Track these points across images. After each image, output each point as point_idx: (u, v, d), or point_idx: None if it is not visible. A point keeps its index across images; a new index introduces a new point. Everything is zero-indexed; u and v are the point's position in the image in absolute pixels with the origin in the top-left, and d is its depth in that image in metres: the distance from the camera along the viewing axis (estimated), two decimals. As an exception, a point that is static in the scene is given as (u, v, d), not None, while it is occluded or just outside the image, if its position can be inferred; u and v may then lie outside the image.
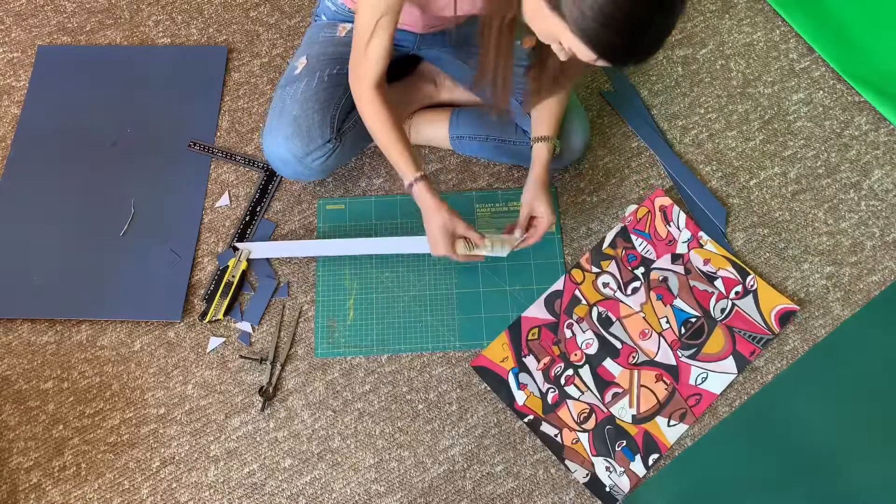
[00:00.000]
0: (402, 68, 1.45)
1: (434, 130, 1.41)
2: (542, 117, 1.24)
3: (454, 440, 1.24)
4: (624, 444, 1.23)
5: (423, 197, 1.16)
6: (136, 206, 1.38)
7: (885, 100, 1.48)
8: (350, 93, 1.27)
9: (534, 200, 1.22)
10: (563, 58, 0.94)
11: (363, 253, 1.35)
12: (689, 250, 1.36)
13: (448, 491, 1.20)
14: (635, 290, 1.33)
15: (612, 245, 1.37)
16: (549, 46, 1.06)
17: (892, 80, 1.51)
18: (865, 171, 1.45)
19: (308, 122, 1.21)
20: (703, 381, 1.27)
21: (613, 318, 1.31)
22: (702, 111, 1.50)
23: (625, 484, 1.20)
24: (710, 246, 1.36)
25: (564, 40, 0.87)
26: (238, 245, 1.33)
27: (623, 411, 1.25)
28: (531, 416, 1.24)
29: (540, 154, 1.23)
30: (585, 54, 0.87)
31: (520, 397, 1.25)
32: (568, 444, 1.23)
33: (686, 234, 1.37)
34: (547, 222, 1.22)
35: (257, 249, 1.33)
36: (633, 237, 1.37)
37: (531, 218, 1.23)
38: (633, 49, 0.84)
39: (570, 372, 1.27)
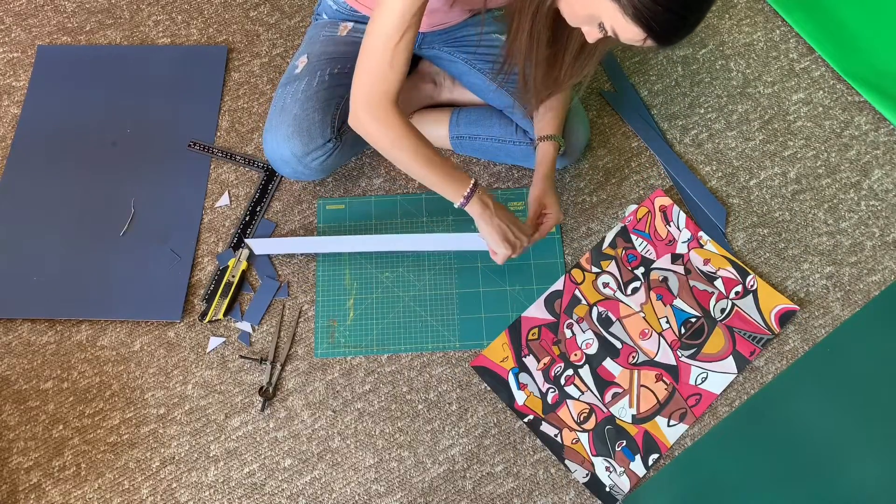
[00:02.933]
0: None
1: (434, 130, 1.41)
2: (546, 116, 1.25)
3: (454, 440, 1.24)
4: (624, 444, 1.23)
5: (486, 198, 1.12)
6: (136, 206, 1.38)
7: (885, 100, 1.48)
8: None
9: (543, 197, 1.22)
10: (591, 40, 0.94)
11: (381, 250, 1.35)
12: (689, 250, 1.36)
13: (448, 491, 1.20)
14: (635, 290, 1.33)
15: (612, 245, 1.37)
16: (564, 39, 1.05)
17: (892, 80, 1.51)
18: (865, 171, 1.45)
19: (308, 122, 1.21)
20: (703, 381, 1.27)
21: (613, 318, 1.31)
22: (702, 111, 1.50)
23: (625, 484, 1.20)
24: (710, 246, 1.36)
25: (610, 22, 0.87)
26: (248, 241, 1.31)
27: (623, 411, 1.25)
28: (531, 416, 1.24)
29: (546, 152, 1.24)
30: (634, 35, 0.86)
31: (520, 397, 1.25)
32: (568, 444, 1.23)
33: (686, 234, 1.37)
34: (555, 218, 1.22)
35: (268, 245, 1.33)
36: (633, 237, 1.37)
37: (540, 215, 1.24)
38: (683, 27, 0.84)
39: (569, 372, 1.27)
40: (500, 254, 1.17)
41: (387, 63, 0.99)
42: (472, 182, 1.11)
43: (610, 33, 0.90)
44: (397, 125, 1.04)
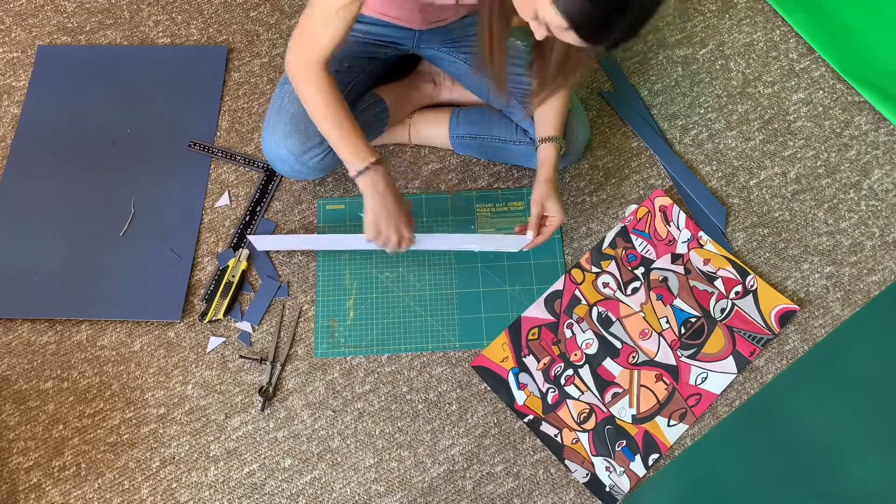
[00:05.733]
0: (402, 68, 1.45)
1: (434, 130, 1.41)
2: (547, 117, 1.24)
3: (454, 440, 1.24)
4: (624, 444, 1.23)
5: (380, 182, 1.12)
6: (136, 206, 1.38)
7: (885, 100, 1.48)
8: (348, 90, 1.27)
9: (545, 200, 1.22)
10: (539, 36, 0.94)
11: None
12: (688, 250, 1.36)
13: (448, 491, 1.20)
14: (635, 290, 1.33)
15: (612, 245, 1.37)
16: (548, 45, 1.06)
17: (892, 80, 1.51)
18: (865, 171, 1.45)
19: (306, 120, 1.21)
20: (703, 381, 1.27)
21: (613, 318, 1.31)
22: (702, 111, 1.50)
23: (625, 484, 1.20)
24: (710, 246, 1.36)
25: (541, 11, 0.86)
26: (250, 238, 1.31)
27: (623, 411, 1.25)
28: (531, 416, 1.24)
29: (547, 154, 1.24)
30: (559, 25, 0.85)
31: (520, 397, 1.25)
32: (568, 444, 1.23)
33: (686, 234, 1.37)
34: (558, 221, 1.22)
35: (269, 242, 1.32)
36: (633, 237, 1.37)
37: (542, 217, 1.24)
38: (609, 27, 0.83)
39: (570, 372, 1.27)
40: (368, 235, 1.17)
41: (322, 26, 1.04)
42: (373, 161, 1.11)
43: (541, 20, 0.89)
44: (315, 83, 1.08)
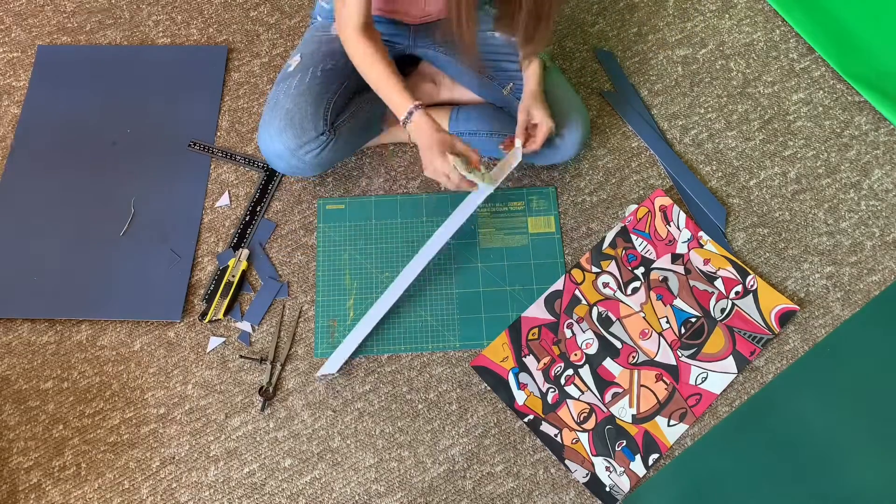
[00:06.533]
0: (401, 68, 1.45)
1: (434, 129, 1.41)
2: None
3: (454, 440, 1.24)
4: (624, 443, 1.23)
5: (423, 124, 1.16)
6: (136, 206, 1.38)
7: (885, 100, 1.48)
8: (345, 86, 1.28)
9: (531, 108, 1.25)
10: None
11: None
12: (689, 250, 1.36)
13: (448, 491, 1.20)
14: (635, 290, 1.33)
15: (612, 245, 1.37)
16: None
17: (892, 80, 1.51)
18: (865, 171, 1.45)
19: (301, 115, 1.22)
20: (703, 381, 1.27)
21: (613, 318, 1.31)
22: (702, 111, 1.50)
23: (625, 484, 1.20)
24: (710, 246, 1.36)
25: None
26: (319, 375, 1.26)
27: (623, 411, 1.25)
28: (531, 416, 1.24)
29: (531, 70, 1.27)
30: None
31: (520, 397, 1.25)
32: (568, 443, 1.23)
33: (686, 234, 1.37)
34: (545, 127, 1.24)
35: (338, 360, 1.26)
36: (633, 237, 1.37)
37: (531, 128, 1.26)
38: None
39: (570, 372, 1.27)
40: (426, 171, 1.19)
41: (341, 3, 1.16)
42: (415, 104, 1.16)
43: None
44: (355, 47, 1.19)
